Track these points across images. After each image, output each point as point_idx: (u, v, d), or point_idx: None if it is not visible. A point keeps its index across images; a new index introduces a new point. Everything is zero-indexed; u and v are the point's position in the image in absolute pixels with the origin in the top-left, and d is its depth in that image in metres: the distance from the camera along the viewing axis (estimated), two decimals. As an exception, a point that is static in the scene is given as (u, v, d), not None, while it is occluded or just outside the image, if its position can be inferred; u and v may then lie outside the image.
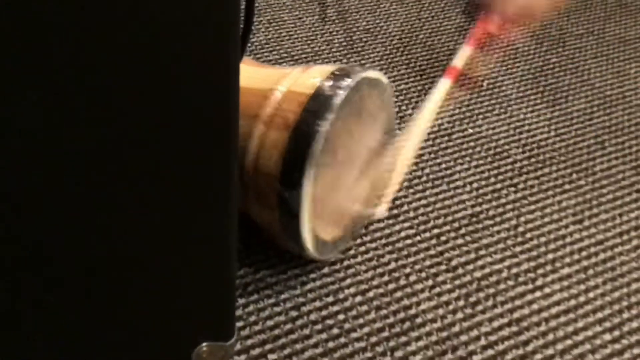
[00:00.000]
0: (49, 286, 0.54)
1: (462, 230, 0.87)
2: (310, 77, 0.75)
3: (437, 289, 0.79)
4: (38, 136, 0.47)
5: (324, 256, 0.79)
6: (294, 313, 0.75)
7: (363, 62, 1.13)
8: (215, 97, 0.50)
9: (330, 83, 0.73)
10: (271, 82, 0.76)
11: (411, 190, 0.91)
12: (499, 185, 0.93)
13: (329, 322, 0.75)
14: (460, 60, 1.06)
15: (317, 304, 0.77)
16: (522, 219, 0.89)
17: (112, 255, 0.54)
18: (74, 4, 0.43)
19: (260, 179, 0.73)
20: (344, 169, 0.79)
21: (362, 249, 0.83)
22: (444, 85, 1.01)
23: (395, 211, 0.88)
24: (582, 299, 0.80)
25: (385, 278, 0.80)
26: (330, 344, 0.73)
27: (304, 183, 0.70)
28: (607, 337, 0.76)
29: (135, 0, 0.44)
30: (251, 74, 0.78)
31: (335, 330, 0.74)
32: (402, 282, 0.80)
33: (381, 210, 0.80)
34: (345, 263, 0.81)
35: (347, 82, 0.73)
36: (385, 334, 0.75)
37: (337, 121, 0.72)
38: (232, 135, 0.52)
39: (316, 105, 0.71)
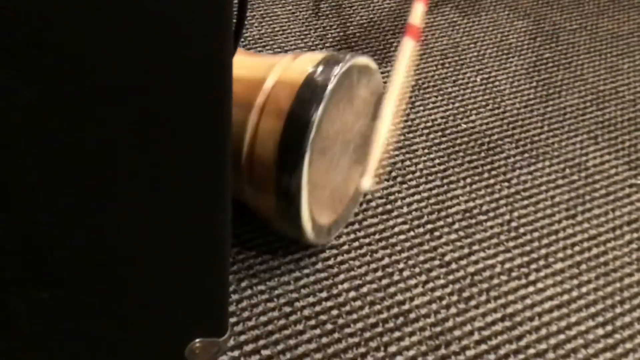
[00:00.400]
0: (43, 281, 0.54)
1: (456, 226, 0.87)
2: (300, 65, 0.76)
3: (431, 285, 0.79)
4: (32, 131, 0.47)
5: (322, 240, 0.79)
6: (287, 309, 0.75)
7: (356, 57, 1.12)
8: (208, 93, 0.50)
9: (321, 70, 0.74)
10: (262, 71, 0.76)
11: (405, 186, 0.91)
12: (492, 181, 0.94)
13: (323, 317, 0.75)
14: (417, 18, 1.01)
15: (311, 299, 0.77)
16: (516, 214, 0.89)
17: (106, 251, 0.54)
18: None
19: (256, 166, 0.73)
20: (336, 153, 0.79)
21: (356, 244, 0.83)
22: (408, 46, 0.97)
23: (388, 207, 0.88)
24: (575, 293, 0.80)
25: (379, 274, 0.80)
26: (324, 340, 0.73)
27: (302, 168, 0.71)
28: (600, 331, 0.76)
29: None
30: (242, 63, 0.78)
31: (329, 326, 0.74)
32: (396, 277, 0.80)
33: (366, 184, 0.80)
34: (339, 259, 0.81)
35: (338, 68, 0.74)
36: (379, 329, 0.75)
37: (329, 107, 0.72)
38: (226, 131, 0.52)
39: (308, 91, 0.72)
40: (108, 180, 0.51)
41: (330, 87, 0.72)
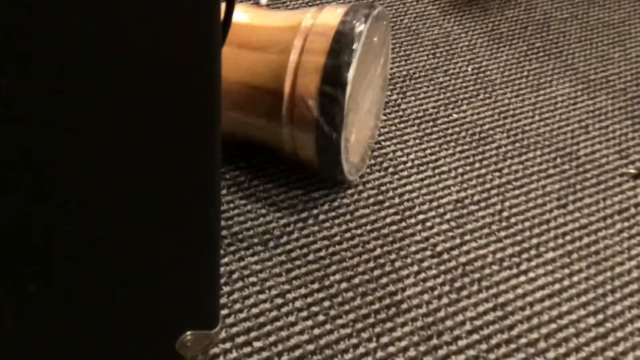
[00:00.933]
0: (33, 275, 0.53)
1: (447, 216, 0.87)
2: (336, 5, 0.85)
3: (423, 275, 0.79)
4: (22, 127, 0.46)
5: (352, 176, 0.86)
6: (279, 300, 0.75)
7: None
8: (198, 85, 0.49)
9: (358, 7, 0.82)
10: (304, 10, 0.86)
11: (396, 176, 0.91)
12: (483, 171, 0.94)
13: (315, 309, 0.75)
14: None
15: (303, 291, 0.76)
16: (507, 203, 0.89)
17: (97, 246, 0.54)
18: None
19: (303, 64, 0.79)
20: (360, 93, 0.83)
21: (348, 235, 0.83)
22: None
23: (380, 197, 0.88)
24: (566, 283, 0.80)
25: (371, 264, 0.80)
26: (316, 331, 0.73)
27: (351, 65, 0.77)
28: (591, 320, 0.77)
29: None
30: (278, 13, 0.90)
31: (321, 317, 0.74)
32: (388, 268, 0.80)
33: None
34: (331, 250, 0.81)
35: (375, 7, 0.82)
36: (371, 320, 0.75)
37: (371, 28, 0.80)
38: (216, 123, 0.52)
39: (356, 13, 0.80)
40: (98, 174, 0.50)
41: (375, 11, 0.80)
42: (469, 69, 1.10)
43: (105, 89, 0.47)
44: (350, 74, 0.77)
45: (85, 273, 0.55)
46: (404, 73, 1.08)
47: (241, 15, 0.86)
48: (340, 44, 0.78)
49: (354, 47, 0.77)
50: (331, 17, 0.81)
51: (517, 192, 0.91)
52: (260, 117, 0.83)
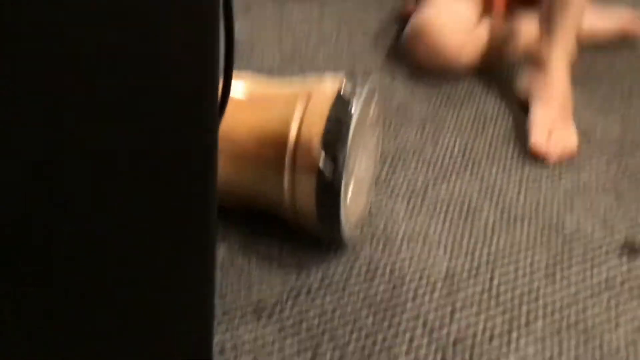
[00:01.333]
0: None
1: (437, 289, 0.88)
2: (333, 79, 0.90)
3: (413, 354, 0.80)
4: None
5: (348, 230, 0.87)
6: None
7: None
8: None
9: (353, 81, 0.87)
10: (300, 82, 0.92)
11: (387, 251, 0.93)
12: (472, 243, 0.95)
13: (308, 378, 0.75)
14: None
15: (296, 360, 0.77)
16: (496, 274, 0.90)
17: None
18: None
19: (302, 146, 0.83)
20: (359, 153, 0.87)
21: (340, 308, 0.84)
22: None
23: (370, 274, 0.89)
24: (556, 350, 0.81)
25: (363, 338, 0.80)
26: (309, 400, 0.73)
27: (348, 138, 0.81)
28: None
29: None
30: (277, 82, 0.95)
31: (314, 387, 0.74)
32: (379, 344, 0.80)
33: None
34: (324, 321, 0.82)
35: (367, 84, 0.87)
36: (364, 389, 0.75)
37: (367, 95, 0.86)
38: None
39: (356, 77, 0.87)
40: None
41: (369, 86, 0.86)
42: (456, 145, 1.14)
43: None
44: (355, 114, 0.82)
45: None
46: (393, 149, 1.11)
47: (243, 81, 0.92)
48: (346, 91, 0.85)
49: (359, 91, 0.84)
50: (333, 79, 0.88)
51: (505, 263, 0.93)
52: (263, 168, 0.86)
